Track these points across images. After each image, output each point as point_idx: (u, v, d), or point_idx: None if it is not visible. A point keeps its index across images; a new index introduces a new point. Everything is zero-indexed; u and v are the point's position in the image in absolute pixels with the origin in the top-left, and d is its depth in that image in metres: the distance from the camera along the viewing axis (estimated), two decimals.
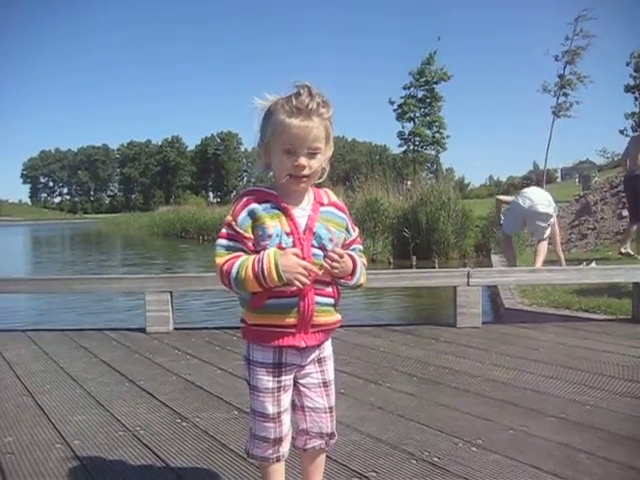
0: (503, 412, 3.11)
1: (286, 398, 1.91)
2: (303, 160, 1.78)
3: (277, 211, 1.81)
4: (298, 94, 1.77)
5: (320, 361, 1.96)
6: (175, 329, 5.48)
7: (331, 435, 2.00)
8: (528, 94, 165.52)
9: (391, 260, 16.02)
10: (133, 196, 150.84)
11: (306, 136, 1.76)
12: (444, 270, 6.73)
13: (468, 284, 5.28)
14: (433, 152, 41.74)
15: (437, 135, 40.40)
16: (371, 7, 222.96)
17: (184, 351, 4.68)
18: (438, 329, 5.30)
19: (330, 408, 1.98)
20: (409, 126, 40.60)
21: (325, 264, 1.79)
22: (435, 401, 3.32)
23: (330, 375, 1.98)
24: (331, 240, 1.83)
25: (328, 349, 1.99)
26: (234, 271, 1.77)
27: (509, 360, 4.18)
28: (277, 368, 1.88)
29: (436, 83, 39.27)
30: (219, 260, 1.81)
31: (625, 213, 13.67)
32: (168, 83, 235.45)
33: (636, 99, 46.57)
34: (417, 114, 40.23)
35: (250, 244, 1.80)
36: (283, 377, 1.89)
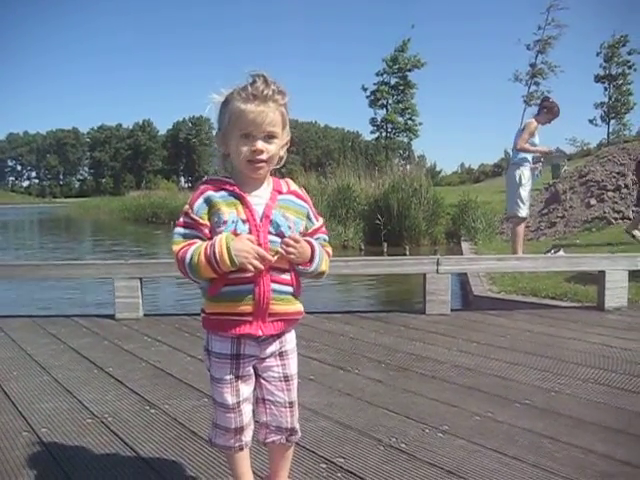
0: (469, 398, 3.16)
1: (245, 388, 1.91)
2: (260, 144, 1.80)
3: (233, 199, 1.82)
4: (254, 82, 1.79)
5: (282, 355, 1.95)
6: (145, 315, 5.46)
7: (291, 430, 1.98)
8: (500, 82, 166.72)
9: (362, 247, 16.12)
10: (103, 180, 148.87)
11: (262, 120, 1.78)
12: (414, 257, 6.78)
13: (437, 272, 5.33)
14: (405, 139, 41.94)
15: (409, 122, 40.60)
16: None
17: (154, 338, 4.67)
18: (407, 316, 5.34)
19: (290, 403, 1.97)
20: (382, 113, 40.83)
21: (280, 249, 1.79)
22: (403, 387, 3.36)
23: (292, 369, 1.97)
24: (289, 228, 1.83)
25: (291, 343, 1.98)
26: (188, 257, 1.77)
27: (476, 347, 4.24)
28: (235, 359, 1.88)
29: (409, 70, 39.38)
30: (175, 247, 1.82)
31: (593, 202, 13.89)
32: (141, 70, 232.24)
33: (605, 89, 47.17)
34: (390, 101, 40.42)
35: (206, 231, 1.81)
36: (242, 368, 1.89)
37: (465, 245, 12.69)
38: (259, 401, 1.98)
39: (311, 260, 1.87)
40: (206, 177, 1.91)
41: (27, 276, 6.28)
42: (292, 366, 1.98)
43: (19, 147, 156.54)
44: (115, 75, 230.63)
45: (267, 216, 1.82)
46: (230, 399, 1.89)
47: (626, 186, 13.78)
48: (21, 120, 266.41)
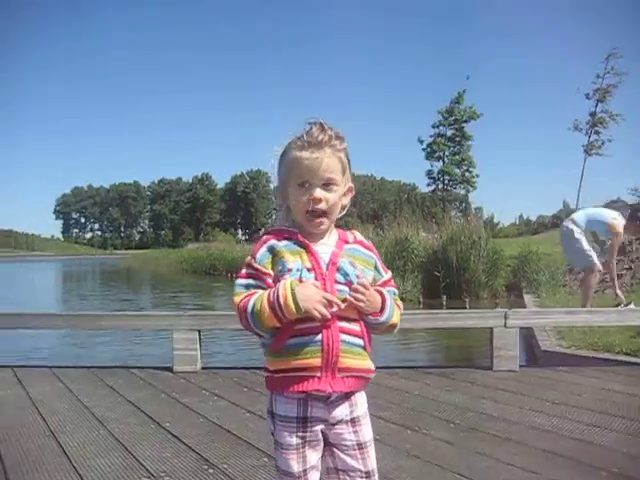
0: (548, 464, 2.93)
1: (313, 455, 1.75)
2: (319, 192, 1.70)
3: (298, 247, 1.72)
4: (310, 129, 1.72)
5: (353, 421, 1.77)
6: (203, 368, 5.36)
7: None
8: (559, 132, 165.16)
9: (421, 299, 15.79)
10: (162, 232, 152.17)
11: (318, 166, 1.70)
12: (480, 310, 6.54)
13: (505, 325, 5.09)
14: (462, 191, 41.67)
15: (466, 174, 40.40)
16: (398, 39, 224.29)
17: (212, 392, 4.55)
18: (474, 372, 5.10)
19: (367, 472, 1.77)
20: (438, 165, 40.73)
21: (349, 296, 1.66)
22: (475, 450, 3.15)
23: (366, 436, 1.79)
24: (358, 277, 1.70)
25: (362, 406, 1.81)
26: (250, 306, 1.67)
27: (550, 406, 3.98)
28: (302, 422, 1.72)
29: (465, 122, 39.37)
30: (236, 299, 1.72)
31: None
32: (200, 123, 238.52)
33: None
34: (446, 153, 40.35)
35: (270, 280, 1.70)
36: (309, 432, 1.73)
37: (528, 298, 12.29)
38: (332, 471, 1.80)
39: (382, 310, 1.73)
40: (269, 228, 1.81)
41: (88, 326, 6.28)
42: (366, 432, 1.80)
43: (83, 200, 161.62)
44: (176, 133, 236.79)
45: (334, 263, 1.70)
46: (296, 467, 1.73)
47: None
48: (85, 174, 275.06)
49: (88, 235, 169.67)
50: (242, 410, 4.04)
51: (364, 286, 1.67)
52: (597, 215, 7.81)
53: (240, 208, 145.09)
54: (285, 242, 1.72)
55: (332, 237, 1.79)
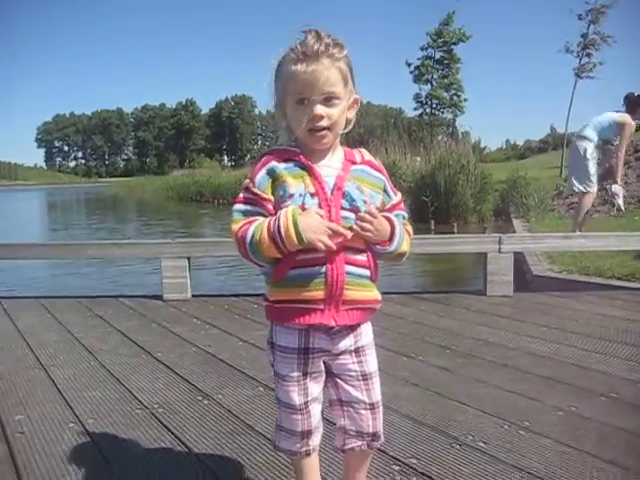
0: (548, 390, 2.89)
1: (315, 386, 1.68)
2: (319, 109, 1.54)
3: (300, 170, 1.57)
4: (304, 39, 1.54)
5: (357, 351, 1.69)
6: (193, 296, 5.28)
7: (374, 435, 1.73)
8: (546, 54, 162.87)
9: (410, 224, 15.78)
10: (147, 160, 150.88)
11: (316, 80, 1.53)
12: (474, 235, 6.46)
13: (499, 251, 5.02)
14: (450, 115, 41.18)
15: (455, 98, 39.81)
16: None
17: (203, 320, 4.48)
18: (468, 298, 5.06)
19: (372, 404, 1.71)
20: (426, 88, 40.03)
21: (355, 226, 1.54)
22: (473, 377, 3.10)
23: (371, 366, 1.71)
24: (365, 202, 1.57)
25: (367, 336, 1.72)
26: (249, 235, 1.53)
27: (546, 332, 3.94)
28: (304, 354, 1.64)
29: (454, 44, 38.57)
30: (235, 226, 1.58)
31: None
32: (183, 48, 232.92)
33: None
34: (435, 76, 39.61)
35: (270, 206, 1.57)
36: (311, 364, 1.65)
37: (517, 223, 12.24)
38: (335, 403, 1.73)
39: (391, 239, 1.61)
40: (271, 148, 1.66)
41: (73, 256, 6.17)
42: (371, 363, 1.72)
43: (66, 128, 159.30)
44: (158, 52, 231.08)
45: (339, 188, 1.57)
46: (297, 399, 1.66)
47: None
48: (67, 101, 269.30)
49: (72, 164, 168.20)
50: (235, 338, 3.97)
51: (372, 214, 1.55)
52: (604, 120, 7.70)
53: (225, 134, 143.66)
54: (286, 164, 1.57)
55: (337, 156, 1.65)
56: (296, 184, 1.55)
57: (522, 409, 2.66)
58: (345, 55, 1.57)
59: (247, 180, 1.61)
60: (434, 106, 40.49)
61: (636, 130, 8.38)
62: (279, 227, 1.48)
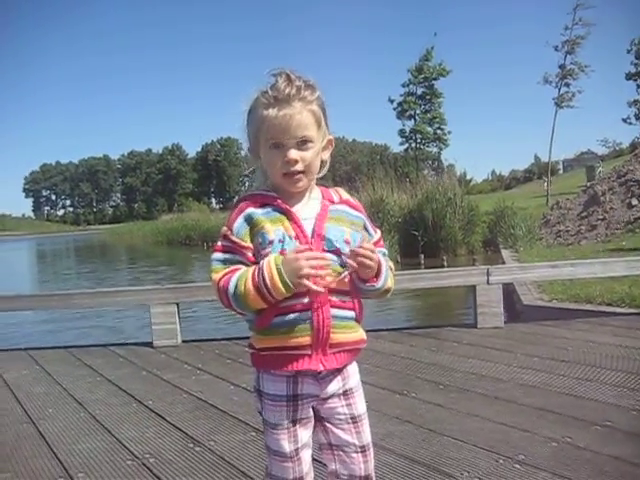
0: (541, 421, 2.88)
1: (304, 433, 1.64)
2: (293, 153, 1.54)
3: (279, 214, 1.56)
4: (275, 82, 1.54)
5: (346, 393, 1.66)
6: (183, 342, 5.24)
7: (366, 479, 1.69)
8: (528, 86, 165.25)
9: (399, 259, 15.77)
10: (136, 205, 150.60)
11: (289, 125, 1.52)
12: (462, 269, 6.46)
13: (488, 282, 5.03)
14: (435, 149, 41.50)
15: (438, 131, 40.16)
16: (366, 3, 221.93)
17: (194, 366, 4.44)
18: (459, 331, 5.04)
19: (363, 447, 1.67)
20: (410, 124, 40.36)
21: (350, 261, 1.51)
22: (466, 411, 3.09)
23: (360, 409, 1.69)
24: (347, 242, 1.56)
25: (354, 377, 1.70)
26: (232, 286, 1.51)
27: (538, 362, 3.94)
28: (292, 401, 1.61)
29: (435, 79, 39.05)
30: (215, 276, 1.56)
31: (635, 202, 13.44)
32: (167, 89, 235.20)
33: (638, 86, 46.31)
34: (417, 111, 39.99)
35: (249, 254, 1.55)
36: (300, 410, 1.62)
37: (506, 253, 12.30)
38: (325, 447, 1.70)
39: (377, 275, 1.59)
40: (245, 193, 1.66)
41: (60, 306, 6.12)
42: (360, 405, 1.69)
43: (53, 177, 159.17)
44: (141, 94, 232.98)
45: (319, 234, 1.56)
46: (287, 447, 1.62)
47: None
48: (53, 150, 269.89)
49: (60, 212, 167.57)
50: (226, 383, 3.94)
51: (369, 249, 1.53)
52: None
53: (212, 177, 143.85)
54: (264, 209, 1.56)
55: (315, 197, 1.64)
56: (275, 229, 1.54)
57: (516, 442, 2.64)
58: (317, 97, 1.58)
59: (225, 228, 1.59)
60: (419, 141, 40.79)
61: (617, 156, 8.53)
62: (264, 279, 1.47)
